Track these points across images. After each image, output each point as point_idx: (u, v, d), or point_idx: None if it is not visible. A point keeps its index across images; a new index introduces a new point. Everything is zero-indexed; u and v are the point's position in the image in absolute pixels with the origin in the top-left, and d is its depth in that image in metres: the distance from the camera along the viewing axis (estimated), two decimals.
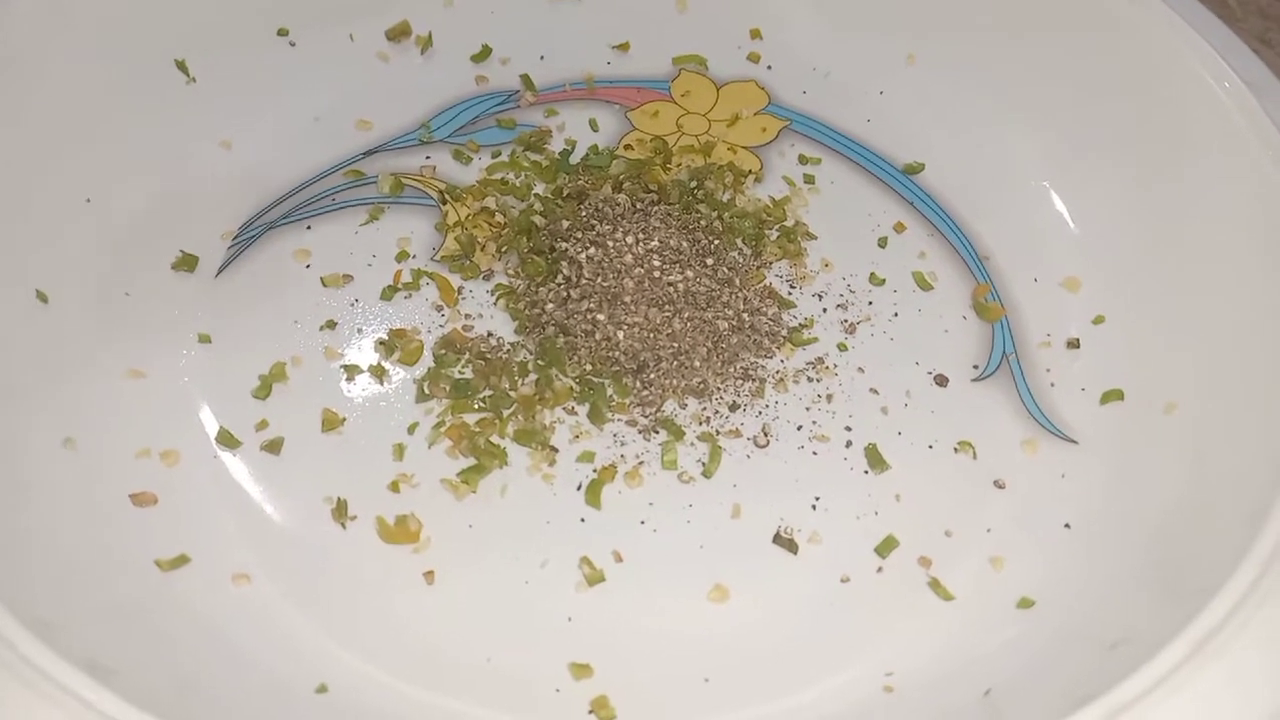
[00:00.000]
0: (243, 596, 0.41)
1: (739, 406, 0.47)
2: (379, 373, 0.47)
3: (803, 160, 0.55)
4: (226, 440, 0.45)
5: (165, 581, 0.40)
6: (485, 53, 0.57)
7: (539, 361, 0.47)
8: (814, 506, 0.45)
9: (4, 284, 0.44)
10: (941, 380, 0.48)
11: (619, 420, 0.46)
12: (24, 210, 0.46)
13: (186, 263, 0.49)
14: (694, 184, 0.53)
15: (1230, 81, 0.48)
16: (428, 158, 0.54)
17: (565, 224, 0.50)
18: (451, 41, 0.57)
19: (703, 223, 0.51)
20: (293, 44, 0.55)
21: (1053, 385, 0.48)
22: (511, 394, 0.46)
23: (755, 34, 0.59)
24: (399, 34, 0.57)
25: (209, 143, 0.52)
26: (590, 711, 0.39)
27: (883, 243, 0.52)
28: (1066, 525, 0.44)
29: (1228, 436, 0.42)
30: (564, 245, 0.49)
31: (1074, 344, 0.49)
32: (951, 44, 0.56)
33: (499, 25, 0.58)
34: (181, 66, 0.52)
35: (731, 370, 0.48)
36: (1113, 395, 0.47)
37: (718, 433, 0.46)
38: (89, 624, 0.36)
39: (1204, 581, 0.34)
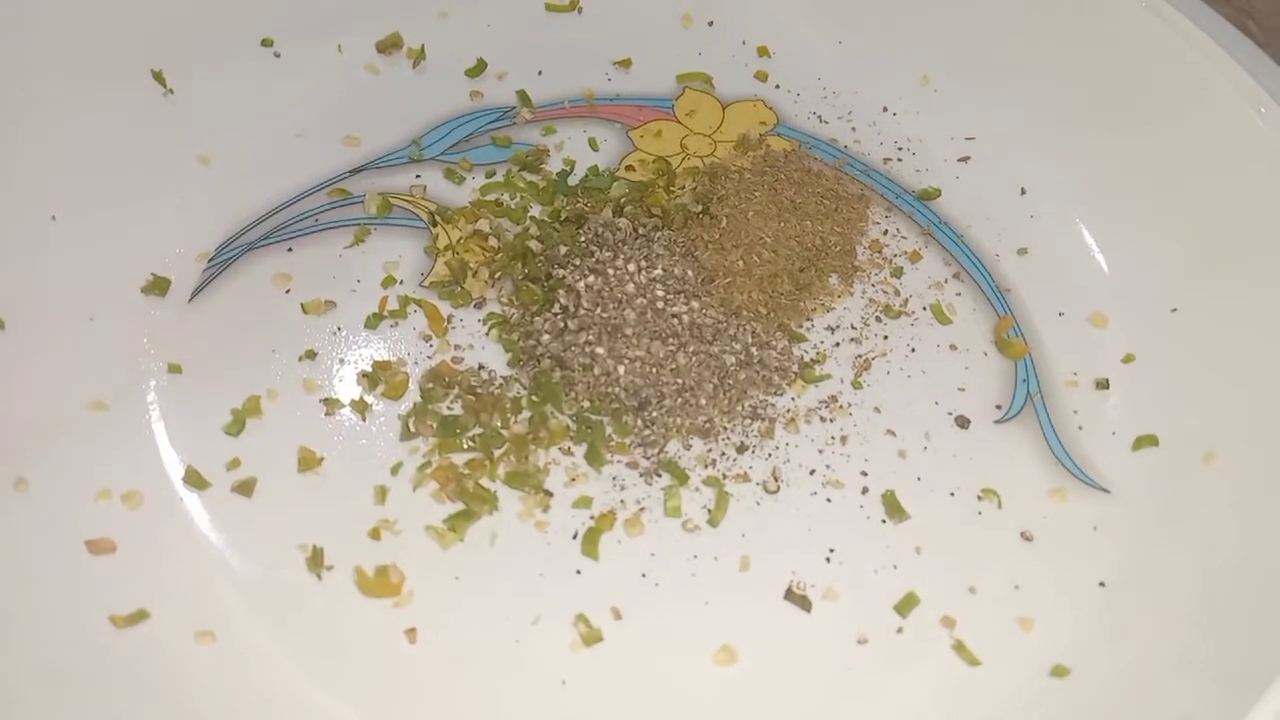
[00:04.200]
0: (206, 656, 0.38)
1: (747, 448, 0.44)
2: (361, 408, 0.44)
3: None
4: (194, 480, 0.42)
5: (121, 639, 0.37)
6: (480, 67, 0.55)
7: (533, 397, 0.45)
8: (828, 559, 0.42)
9: None
10: (963, 421, 0.46)
11: (619, 462, 0.44)
12: None
13: (158, 286, 0.46)
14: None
15: (1267, 107, 0.46)
16: (418, 176, 0.51)
17: (563, 249, 0.48)
18: (445, 55, 0.55)
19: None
20: (277, 55, 0.53)
21: (1081, 429, 0.46)
22: (503, 432, 0.44)
23: (763, 52, 0.57)
24: (390, 46, 0.55)
25: (185, 158, 0.50)
26: None
27: (898, 272, 0.50)
28: (1101, 583, 0.41)
29: (1276, 489, 0.39)
30: (561, 272, 0.47)
31: (1103, 384, 0.47)
32: (970, 65, 0.54)
33: (495, 38, 0.56)
34: (158, 77, 0.50)
35: (739, 409, 0.45)
36: (1146, 441, 0.45)
37: (724, 477, 0.44)
38: (26, 696, 0.32)
39: (1264, 660, 0.31)
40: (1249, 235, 0.45)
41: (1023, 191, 0.53)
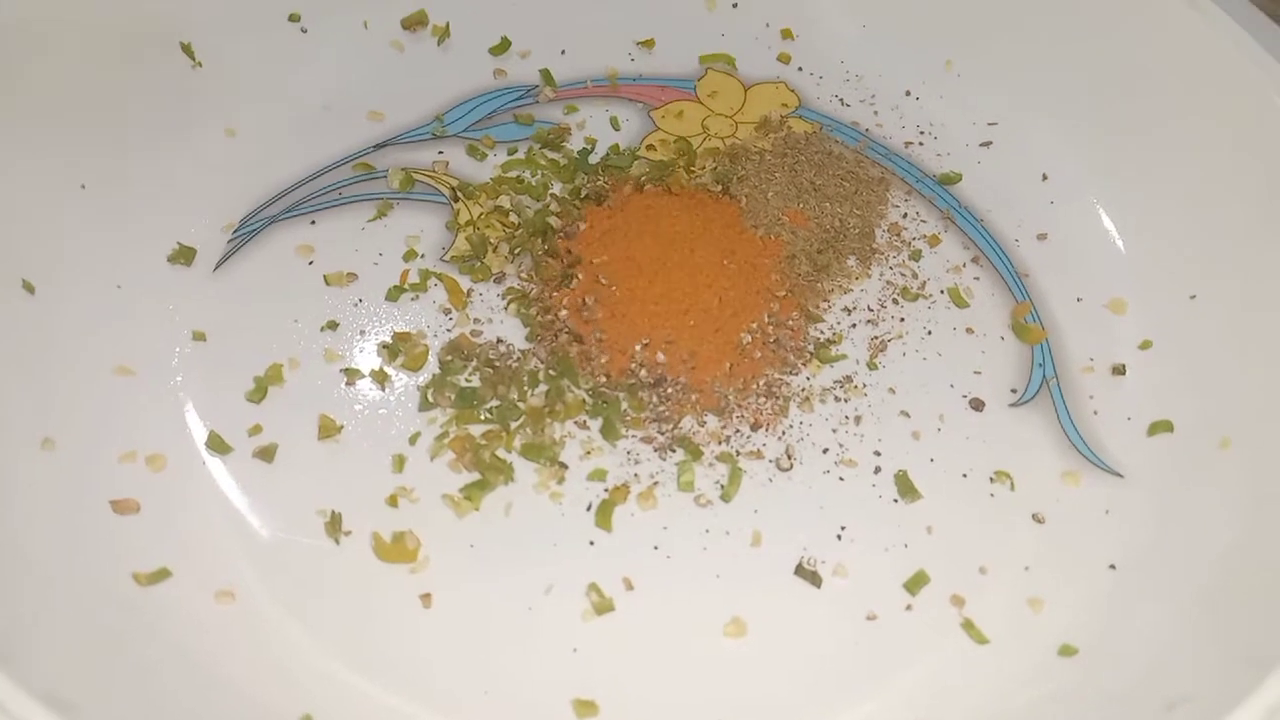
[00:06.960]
0: (225, 615, 0.38)
1: (761, 426, 0.44)
2: (381, 378, 0.45)
3: None
4: (217, 445, 0.42)
5: (142, 597, 0.38)
6: (504, 45, 0.55)
7: (550, 371, 0.45)
8: (839, 536, 0.42)
9: None
10: (977, 404, 0.46)
11: (633, 437, 0.44)
12: (14, 194, 0.44)
13: (184, 255, 0.47)
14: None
15: None
16: (440, 152, 0.51)
17: (582, 226, 0.48)
18: (469, 32, 0.55)
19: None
20: (304, 30, 0.53)
21: (1096, 413, 0.46)
22: (520, 405, 0.44)
23: (787, 34, 0.57)
24: (415, 23, 0.55)
25: (212, 130, 0.50)
26: None
27: (916, 255, 0.50)
28: (1111, 566, 0.41)
29: None
30: (580, 248, 0.47)
31: (1119, 370, 0.47)
32: (994, 50, 0.54)
33: (519, 17, 0.56)
34: (187, 49, 0.50)
35: (754, 387, 0.45)
36: (1161, 426, 0.44)
37: (738, 453, 0.44)
38: (53, 648, 0.33)
39: (1270, 645, 0.31)
40: (1270, 223, 0.45)
41: (1044, 177, 0.52)
